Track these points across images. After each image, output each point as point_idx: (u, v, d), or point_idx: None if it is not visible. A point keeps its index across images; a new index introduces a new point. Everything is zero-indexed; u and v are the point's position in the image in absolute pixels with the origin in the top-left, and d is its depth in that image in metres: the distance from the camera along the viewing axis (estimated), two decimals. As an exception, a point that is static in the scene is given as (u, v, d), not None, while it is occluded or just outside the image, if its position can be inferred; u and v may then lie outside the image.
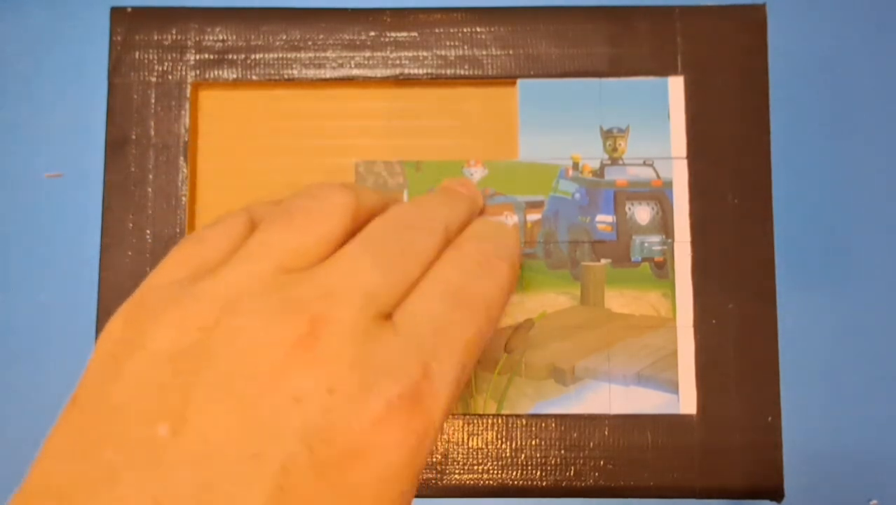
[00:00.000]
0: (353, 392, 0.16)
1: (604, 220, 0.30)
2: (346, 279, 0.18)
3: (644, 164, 0.30)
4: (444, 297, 0.19)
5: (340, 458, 0.16)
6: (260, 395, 0.16)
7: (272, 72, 0.31)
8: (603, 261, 0.30)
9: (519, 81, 0.31)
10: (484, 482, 0.29)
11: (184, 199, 0.30)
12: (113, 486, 0.15)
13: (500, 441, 0.29)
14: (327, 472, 0.16)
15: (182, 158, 0.30)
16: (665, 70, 0.30)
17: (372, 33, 0.31)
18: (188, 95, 0.30)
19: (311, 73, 0.31)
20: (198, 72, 0.31)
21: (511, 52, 0.31)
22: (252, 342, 0.17)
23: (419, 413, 0.17)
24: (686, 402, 0.29)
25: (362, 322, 0.18)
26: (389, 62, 0.31)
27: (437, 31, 0.31)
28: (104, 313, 0.30)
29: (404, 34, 0.31)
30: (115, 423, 0.16)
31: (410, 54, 0.31)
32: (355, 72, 0.31)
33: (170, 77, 0.31)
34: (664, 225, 0.30)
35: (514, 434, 0.29)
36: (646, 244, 0.30)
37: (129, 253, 0.30)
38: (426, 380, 0.17)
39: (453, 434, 0.29)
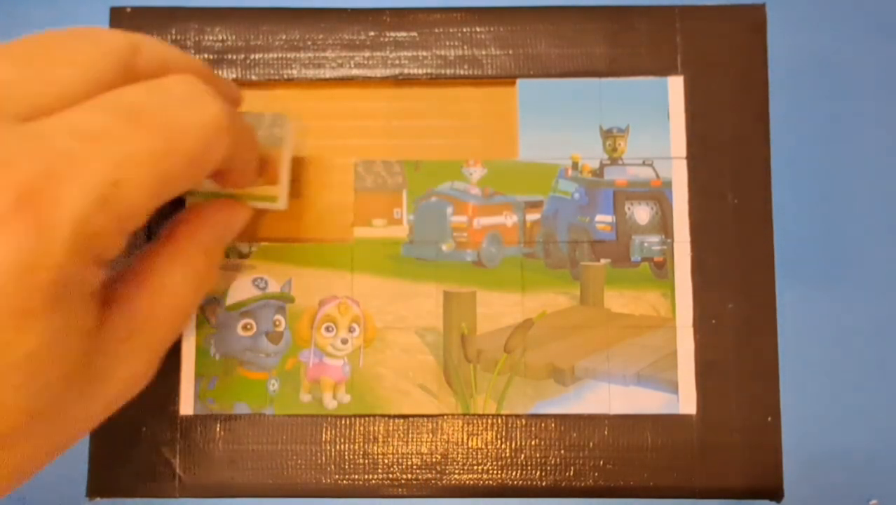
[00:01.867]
0: None
1: (603, 219, 0.30)
2: None
3: (644, 163, 0.30)
4: (113, 109, 0.17)
5: None
6: None
7: (272, 72, 0.31)
8: (602, 261, 0.30)
9: (518, 81, 0.31)
10: (484, 482, 0.29)
11: (184, 199, 0.30)
12: None
13: (499, 441, 0.29)
14: None
15: (182, 158, 0.30)
16: (665, 70, 0.30)
17: (371, 33, 0.31)
18: (188, 95, 0.30)
19: (311, 73, 0.31)
20: (197, 72, 0.31)
21: (511, 51, 0.31)
22: None
23: (26, 215, 0.15)
24: (686, 402, 0.29)
25: None
26: (389, 62, 0.31)
27: (436, 31, 0.31)
28: (104, 313, 0.30)
29: (404, 34, 0.31)
30: None
31: (410, 54, 0.31)
32: (355, 72, 0.31)
33: (169, 77, 0.31)
34: (664, 225, 0.30)
35: (513, 434, 0.29)
36: (645, 244, 0.30)
37: (129, 253, 0.30)
38: (46, 180, 0.15)
39: (453, 434, 0.29)
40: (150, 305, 0.20)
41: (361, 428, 0.29)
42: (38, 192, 0.15)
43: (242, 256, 0.30)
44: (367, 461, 0.29)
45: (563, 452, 0.29)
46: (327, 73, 0.31)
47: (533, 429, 0.29)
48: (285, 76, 0.31)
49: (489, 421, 0.29)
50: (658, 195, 0.30)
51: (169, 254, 0.21)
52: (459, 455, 0.29)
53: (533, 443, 0.29)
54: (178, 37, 0.31)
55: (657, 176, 0.30)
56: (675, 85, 0.30)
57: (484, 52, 0.31)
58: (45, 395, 0.17)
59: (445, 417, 0.29)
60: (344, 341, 0.29)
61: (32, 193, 0.15)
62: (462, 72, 0.31)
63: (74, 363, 0.17)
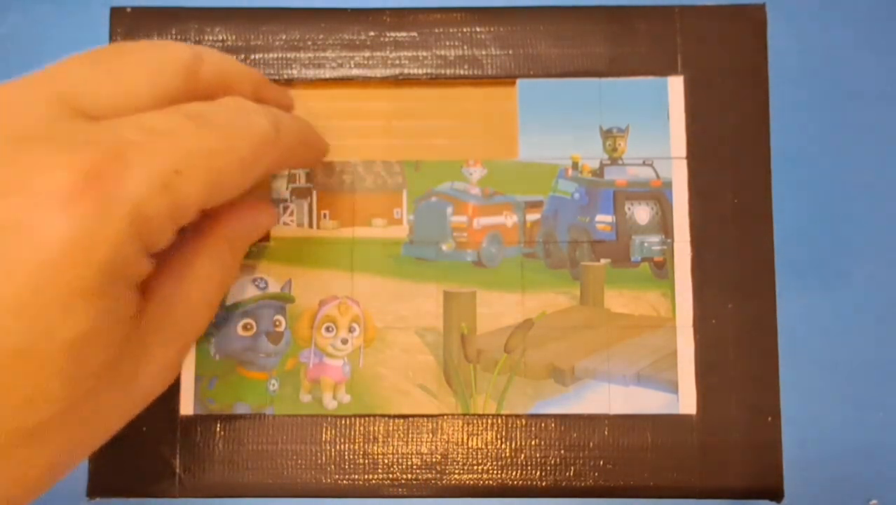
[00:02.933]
0: (7, 163, 0.15)
1: (603, 219, 0.30)
2: (46, 71, 0.18)
3: (644, 163, 0.30)
4: (177, 112, 0.18)
5: None
6: None
7: (272, 72, 0.31)
8: (603, 261, 0.30)
9: (519, 81, 0.31)
10: (484, 482, 0.29)
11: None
12: None
13: (499, 441, 0.29)
14: None
15: (182, 158, 0.30)
16: (665, 70, 0.30)
17: (372, 33, 0.31)
18: (188, 95, 0.30)
19: (311, 73, 0.31)
20: (197, 72, 0.31)
21: (511, 52, 0.31)
22: None
23: (91, 195, 0.15)
24: (686, 402, 0.29)
25: (48, 108, 0.17)
26: (389, 62, 0.31)
27: (436, 31, 0.31)
28: (104, 313, 0.30)
29: (404, 34, 0.31)
30: None
31: (410, 54, 0.31)
32: (355, 72, 0.31)
33: (169, 77, 0.31)
34: (664, 225, 0.30)
35: (513, 434, 0.29)
36: (645, 244, 0.30)
37: (129, 253, 0.30)
38: (113, 164, 0.16)
39: (453, 434, 0.29)
40: (180, 296, 0.21)
41: (361, 428, 0.29)
42: (105, 173, 0.16)
43: (242, 256, 0.30)
44: (367, 461, 0.29)
45: (563, 452, 0.29)
46: (327, 73, 0.31)
47: (533, 429, 0.29)
48: (285, 76, 0.31)
49: (489, 421, 0.29)
50: (658, 195, 0.30)
51: (197, 246, 0.22)
52: (459, 455, 0.29)
53: (533, 443, 0.29)
54: (178, 37, 0.31)
55: (657, 176, 0.30)
56: (675, 85, 0.30)
57: (484, 52, 0.31)
58: (84, 383, 0.17)
59: (445, 417, 0.29)
60: (344, 341, 0.29)
61: (99, 174, 0.15)
62: (462, 72, 0.31)
63: (115, 351, 0.17)
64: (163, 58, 0.19)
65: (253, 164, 0.20)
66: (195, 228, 0.23)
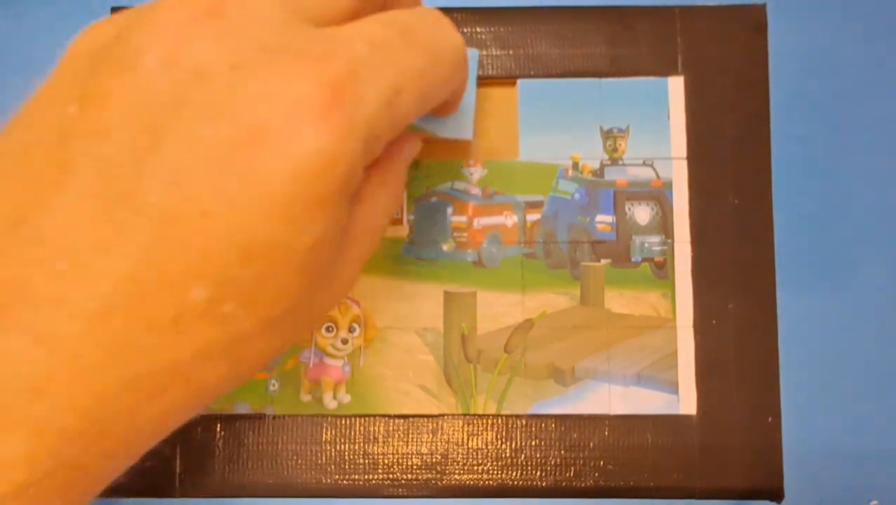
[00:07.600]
0: (260, 71, 0.16)
1: (603, 220, 0.30)
2: None
3: (644, 164, 0.30)
4: (390, 26, 0.18)
5: (248, 139, 0.15)
6: (164, 62, 0.15)
7: (272, 72, 0.31)
8: (603, 261, 0.30)
9: (519, 81, 0.31)
10: (484, 482, 0.29)
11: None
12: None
13: (500, 441, 0.29)
14: (234, 154, 0.15)
15: (182, 158, 0.30)
16: (665, 70, 0.30)
17: (372, 33, 0.31)
18: (188, 95, 0.30)
19: (311, 73, 0.31)
20: (198, 72, 0.31)
21: (511, 52, 0.31)
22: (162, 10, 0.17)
23: (337, 109, 0.16)
24: (686, 402, 0.29)
25: (280, 14, 0.17)
26: (389, 62, 0.31)
27: (436, 31, 0.31)
28: (104, 313, 0.30)
29: (404, 34, 0.31)
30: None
31: (410, 54, 0.31)
32: (355, 72, 0.31)
33: (170, 77, 0.31)
34: (664, 225, 0.30)
35: (514, 434, 0.29)
36: (646, 244, 0.30)
37: (129, 253, 0.30)
38: (351, 80, 0.16)
39: (453, 434, 0.29)
40: (364, 219, 0.21)
41: (361, 428, 0.29)
42: (345, 88, 0.16)
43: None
44: (367, 461, 0.29)
45: (563, 452, 0.29)
46: (327, 73, 0.31)
47: (533, 429, 0.29)
48: (285, 76, 0.30)
49: (489, 421, 0.29)
50: (658, 195, 0.30)
51: (378, 175, 0.22)
52: (459, 455, 0.29)
53: (533, 443, 0.29)
54: (179, 37, 0.31)
55: (657, 176, 0.30)
56: (675, 85, 0.30)
57: (484, 53, 0.31)
58: (309, 283, 0.18)
59: (445, 417, 0.29)
60: (344, 341, 0.29)
61: (343, 91, 0.16)
62: (462, 72, 0.31)
63: (333, 255, 0.19)
64: None
65: (451, 81, 0.20)
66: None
